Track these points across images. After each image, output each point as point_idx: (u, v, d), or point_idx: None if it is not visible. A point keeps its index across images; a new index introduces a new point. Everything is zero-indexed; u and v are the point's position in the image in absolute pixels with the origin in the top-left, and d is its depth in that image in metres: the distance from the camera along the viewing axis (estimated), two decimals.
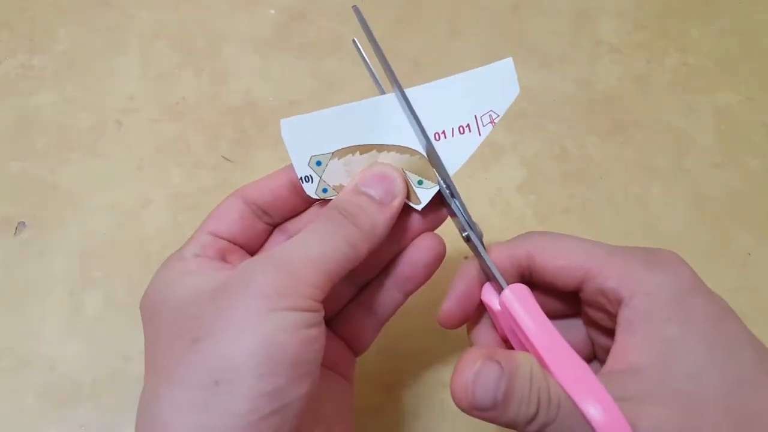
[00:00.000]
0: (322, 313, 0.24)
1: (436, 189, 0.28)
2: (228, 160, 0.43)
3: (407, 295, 0.30)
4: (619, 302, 0.25)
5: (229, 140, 0.43)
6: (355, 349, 0.31)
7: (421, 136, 0.28)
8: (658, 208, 0.43)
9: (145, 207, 0.41)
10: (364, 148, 0.28)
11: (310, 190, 0.28)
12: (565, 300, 0.29)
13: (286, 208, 0.30)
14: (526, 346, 0.25)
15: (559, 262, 0.27)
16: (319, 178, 0.28)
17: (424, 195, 0.28)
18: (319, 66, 0.46)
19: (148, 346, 0.25)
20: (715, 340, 0.24)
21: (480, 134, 0.29)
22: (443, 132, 0.29)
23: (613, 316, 0.26)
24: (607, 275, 0.26)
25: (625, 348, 0.24)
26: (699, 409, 0.22)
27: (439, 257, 0.29)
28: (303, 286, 0.23)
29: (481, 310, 0.30)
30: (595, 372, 0.24)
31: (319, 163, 0.28)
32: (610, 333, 0.26)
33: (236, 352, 0.22)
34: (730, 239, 0.42)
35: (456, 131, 0.29)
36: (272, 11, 0.48)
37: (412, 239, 0.29)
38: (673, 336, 0.24)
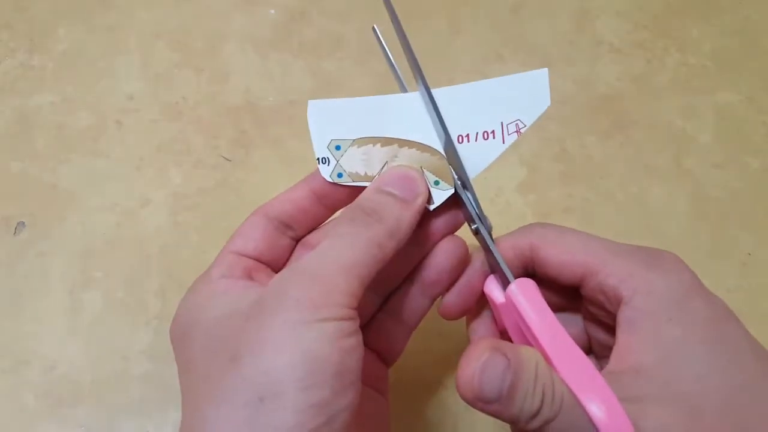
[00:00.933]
0: (358, 321, 0.24)
1: (450, 192, 0.28)
2: (228, 159, 0.43)
3: (433, 299, 0.30)
4: (618, 301, 0.25)
5: (229, 140, 0.43)
6: (387, 359, 0.31)
7: (441, 131, 0.28)
8: (658, 208, 0.43)
9: (145, 207, 0.41)
10: (386, 141, 0.28)
11: (326, 172, 0.28)
12: (565, 294, 0.29)
13: (309, 220, 0.29)
14: (531, 341, 0.25)
15: (562, 257, 0.27)
16: (336, 162, 0.28)
17: (438, 196, 0.28)
18: (319, 66, 0.46)
19: (182, 372, 0.25)
20: (717, 343, 0.24)
21: (504, 142, 0.29)
22: (467, 135, 0.28)
23: (611, 315, 0.26)
24: (608, 273, 0.26)
25: (626, 348, 0.24)
26: (701, 413, 0.22)
27: (463, 260, 0.29)
28: (337, 295, 0.23)
29: (481, 303, 0.30)
30: None
31: (338, 148, 0.28)
32: (609, 329, 0.26)
33: (278, 367, 0.22)
34: (730, 239, 0.42)
35: (480, 136, 0.28)
36: (272, 11, 0.48)
37: (434, 243, 0.29)
38: (675, 337, 0.24)
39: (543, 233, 0.28)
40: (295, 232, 0.30)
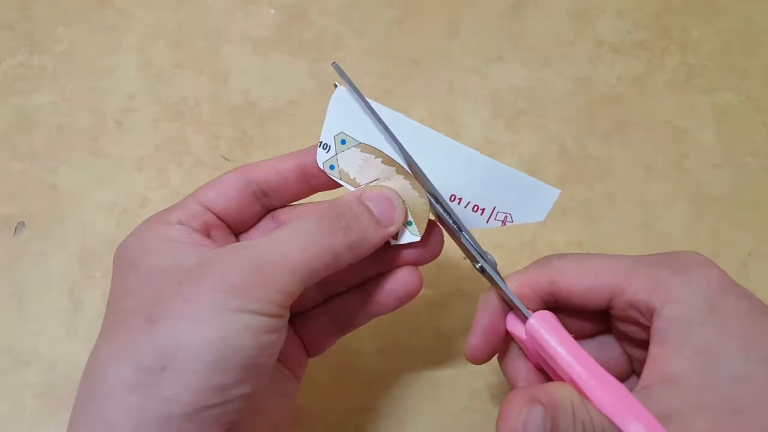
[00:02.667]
0: (287, 318, 0.24)
1: (416, 239, 0.28)
2: (227, 160, 0.43)
3: (373, 317, 0.30)
4: (651, 313, 0.25)
5: (229, 140, 0.43)
6: (310, 351, 0.31)
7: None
8: (658, 208, 0.43)
9: (145, 207, 0.41)
10: (388, 160, 0.28)
11: (321, 157, 0.28)
12: (593, 318, 0.28)
13: (289, 193, 0.29)
14: (559, 373, 0.25)
15: (585, 283, 0.26)
16: (334, 154, 0.28)
17: (404, 236, 0.28)
18: (319, 66, 0.46)
19: (111, 302, 0.25)
20: (752, 341, 0.23)
21: (487, 223, 0.29)
22: (460, 199, 0.28)
23: (647, 329, 0.25)
24: (636, 288, 0.25)
25: (660, 359, 0.24)
26: (743, 414, 0.22)
27: (414, 294, 0.29)
28: (274, 292, 0.23)
29: (509, 339, 0.29)
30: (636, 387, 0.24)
31: (343, 142, 0.28)
32: (646, 345, 0.26)
33: (190, 343, 0.22)
34: (730, 239, 0.42)
35: (470, 206, 0.29)
36: (272, 11, 0.48)
37: (394, 265, 0.29)
38: (708, 342, 0.23)
39: (560, 265, 0.27)
40: (270, 201, 0.29)
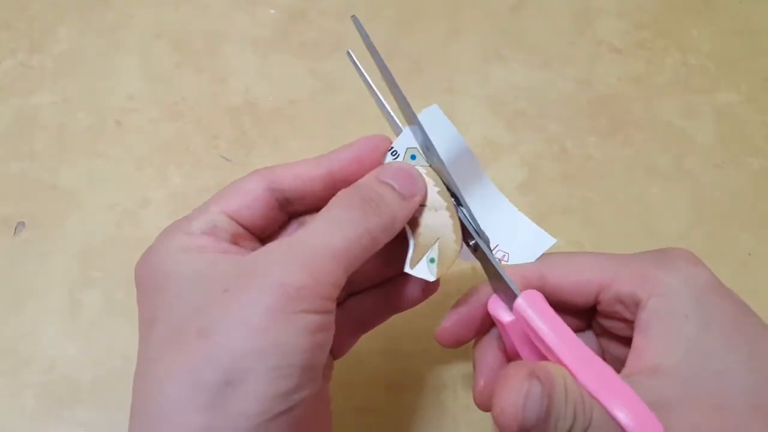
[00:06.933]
0: (334, 313, 0.24)
1: (431, 279, 0.27)
2: (228, 160, 0.43)
3: (392, 314, 0.30)
4: (637, 306, 0.25)
5: (229, 140, 0.43)
6: (335, 352, 0.30)
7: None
8: (658, 208, 0.43)
9: (145, 207, 0.41)
10: (445, 194, 0.27)
11: (387, 160, 0.28)
12: (576, 316, 0.29)
13: (315, 201, 0.28)
14: (546, 355, 0.25)
15: (573, 277, 0.27)
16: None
17: (422, 271, 0.27)
18: (319, 66, 0.46)
19: (146, 322, 0.24)
20: (736, 338, 0.23)
21: (491, 253, 0.28)
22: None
23: (630, 324, 0.25)
24: (623, 281, 0.26)
25: (644, 350, 0.24)
26: (726, 409, 0.22)
27: (434, 291, 0.30)
28: (324, 286, 0.23)
29: (486, 327, 0.29)
30: None
31: (413, 157, 0.28)
32: (627, 342, 0.26)
33: (251, 352, 0.21)
34: (730, 239, 0.42)
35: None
36: (272, 11, 0.48)
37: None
38: (692, 334, 0.23)
39: (551, 260, 0.28)
40: (294, 208, 0.28)
